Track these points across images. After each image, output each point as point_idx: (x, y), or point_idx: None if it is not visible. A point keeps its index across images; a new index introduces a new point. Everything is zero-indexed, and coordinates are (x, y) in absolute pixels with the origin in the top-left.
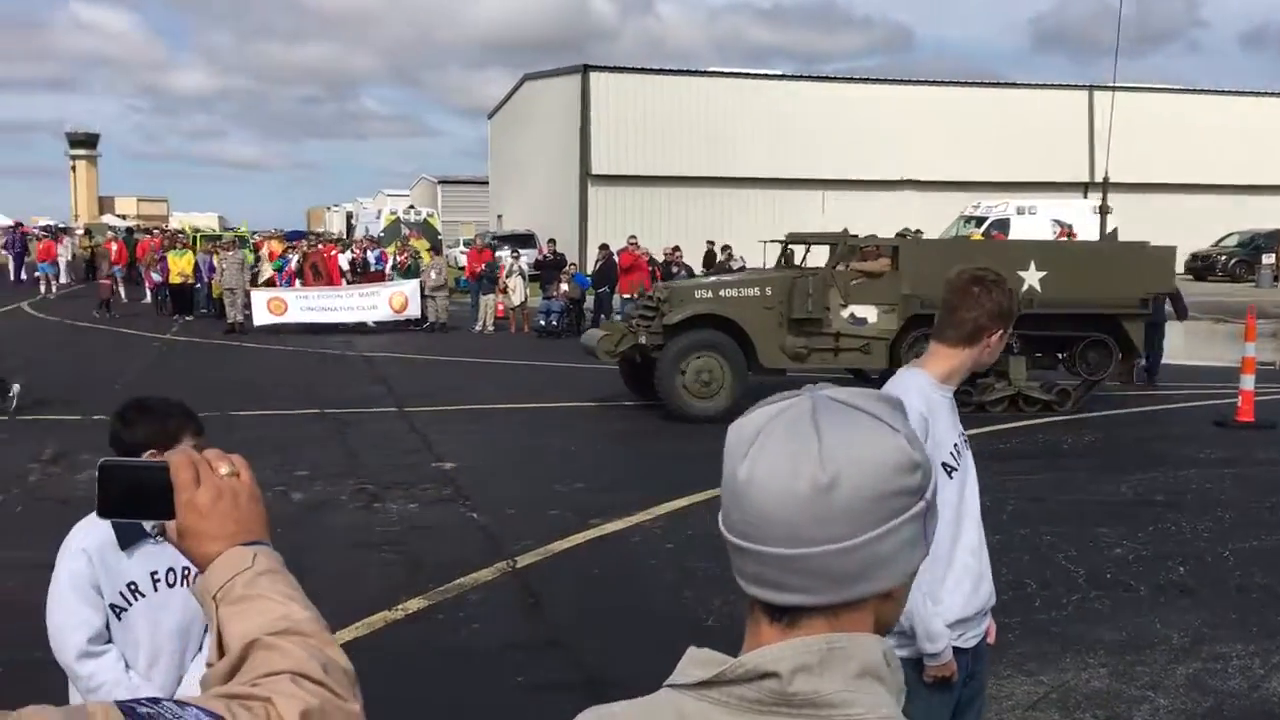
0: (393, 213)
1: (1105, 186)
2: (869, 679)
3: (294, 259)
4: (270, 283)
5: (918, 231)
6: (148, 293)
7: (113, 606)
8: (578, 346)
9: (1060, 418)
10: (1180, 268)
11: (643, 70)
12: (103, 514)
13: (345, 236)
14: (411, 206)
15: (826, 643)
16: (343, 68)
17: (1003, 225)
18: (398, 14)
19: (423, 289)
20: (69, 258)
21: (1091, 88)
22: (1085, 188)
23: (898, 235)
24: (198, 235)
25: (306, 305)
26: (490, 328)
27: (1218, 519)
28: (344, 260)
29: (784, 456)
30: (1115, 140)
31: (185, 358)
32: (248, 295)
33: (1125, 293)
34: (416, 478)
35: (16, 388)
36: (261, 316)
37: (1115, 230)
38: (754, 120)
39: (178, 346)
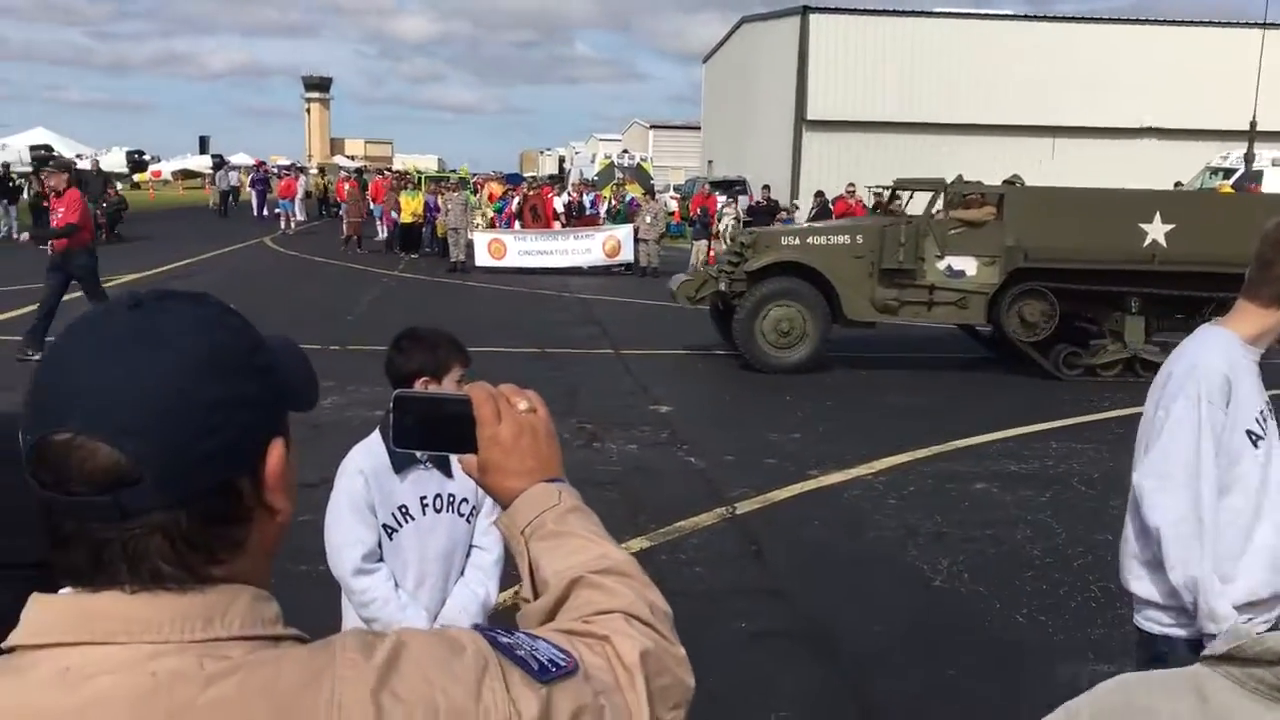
0: (607, 157)
1: None
2: None
3: (515, 200)
4: (490, 224)
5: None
6: (384, 230)
7: (385, 527)
8: None
9: None
10: None
11: (864, 11)
12: (399, 444)
13: (560, 178)
14: (625, 150)
15: None
16: (558, 10)
17: (1256, 177)
18: None
19: (636, 233)
20: (303, 195)
21: None
22: None
23: (1004, 183)
24: (422, 176)
25: (524, 249)
26: None
27: None
28: (559, 203)
29: None
30: None
31: (412, 293)
32: (470, 235)
33: None
34: (635, 419)
35: None
36: (482, 258)
37: None
38: (978, 63)
39: (405, 283)
